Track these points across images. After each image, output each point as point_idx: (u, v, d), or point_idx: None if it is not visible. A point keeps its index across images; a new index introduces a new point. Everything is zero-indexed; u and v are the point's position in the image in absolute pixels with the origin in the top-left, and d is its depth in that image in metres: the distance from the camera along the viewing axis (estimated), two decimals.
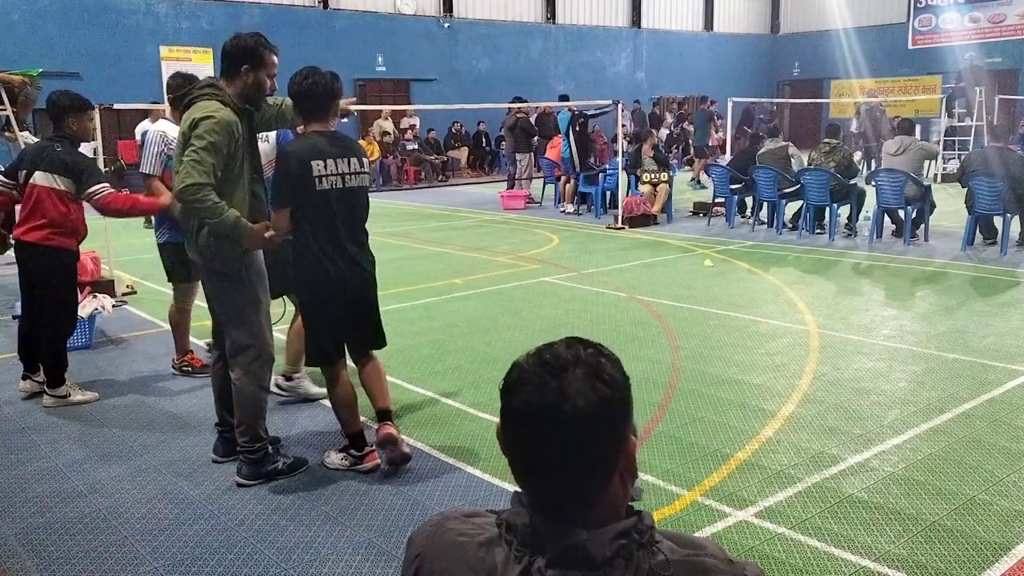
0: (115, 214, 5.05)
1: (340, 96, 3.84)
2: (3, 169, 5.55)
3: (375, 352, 4.07)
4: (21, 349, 5.25)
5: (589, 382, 1.10)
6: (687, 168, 19.60)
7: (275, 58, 3.79)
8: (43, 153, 4.86)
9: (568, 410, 1.08)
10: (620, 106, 12.77)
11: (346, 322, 3.92)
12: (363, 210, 3.89)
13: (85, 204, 4.96)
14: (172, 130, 4.94)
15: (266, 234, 3.66)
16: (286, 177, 3.69)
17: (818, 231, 10.99)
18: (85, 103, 4.93)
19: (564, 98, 14.45)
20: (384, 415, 4.00)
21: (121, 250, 9.64)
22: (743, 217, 12.43)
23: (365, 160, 3.87)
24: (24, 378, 5.21)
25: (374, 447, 3.98)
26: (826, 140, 11.26)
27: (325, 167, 3.68)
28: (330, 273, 3.77)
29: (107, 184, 4.91)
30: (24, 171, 4.88)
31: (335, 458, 4.03)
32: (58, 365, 4.98)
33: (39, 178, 4.81)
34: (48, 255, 4.84)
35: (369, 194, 3.98)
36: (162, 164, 5.07)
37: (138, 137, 12.44)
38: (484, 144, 22.52)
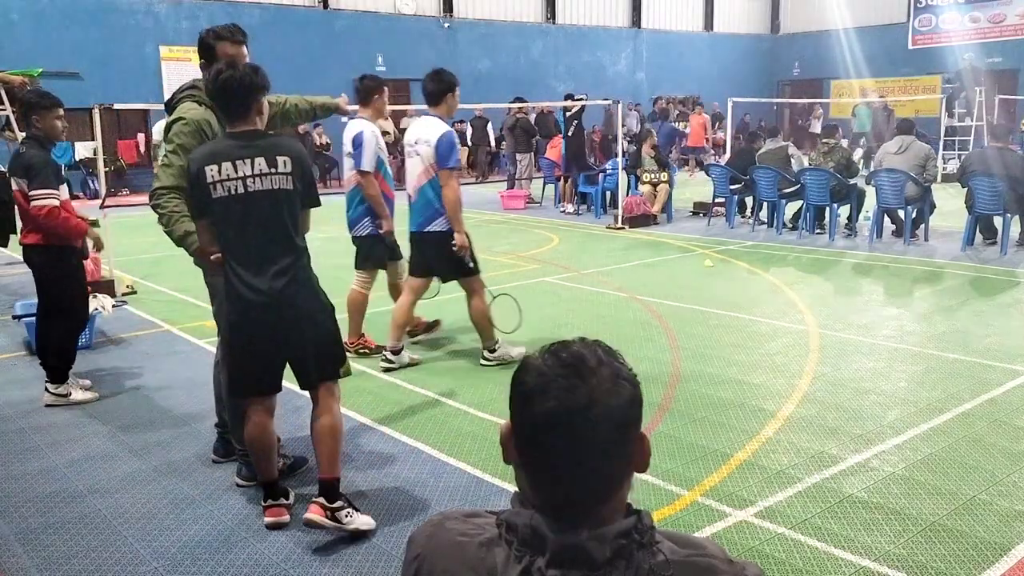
0: (45, 228, 4.72)
1: (263, 90, 3.29)
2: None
3: (334, 397, 3.43)
4: (38, 352, 5.18)
5: (614, 381, 1.11)
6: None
7: (244, 49, 3.77)
8: (14, 156, 4.87)
9: (601, 411, 1.08)
10: (621, 105, 12.77)
11: (267, 356, 3.35)
12: (279, 219, 3.22)
13: (73, 202, 4.93)
14: (376, 128, 5.85)
15: (212, 257, 3.33)
16: (189, 186, 3.28)
17: (818, 231, 10.99)
18: (51, 101, 4.80)
19: (570, 97, 14.42)
20: (323, 488, 3.33)
21: (121, 250, 9.63)
22: (743, 217, 12.43)
23: (285, 159, 3.21)
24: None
25: (280, 503, 3.47)
26: (824, 140, 11.27)
27: (220, 171, 3.14)
28: (233, 299, 3.27)
29: (53, 192, 4.66)
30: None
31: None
32: (64, 361, 4.96)
33: (12, 183, 4.80)
34: (46, 253, 4.85)
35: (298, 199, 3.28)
36: (376, 162, 5.68)
37: (155, 133, 12.47)
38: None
